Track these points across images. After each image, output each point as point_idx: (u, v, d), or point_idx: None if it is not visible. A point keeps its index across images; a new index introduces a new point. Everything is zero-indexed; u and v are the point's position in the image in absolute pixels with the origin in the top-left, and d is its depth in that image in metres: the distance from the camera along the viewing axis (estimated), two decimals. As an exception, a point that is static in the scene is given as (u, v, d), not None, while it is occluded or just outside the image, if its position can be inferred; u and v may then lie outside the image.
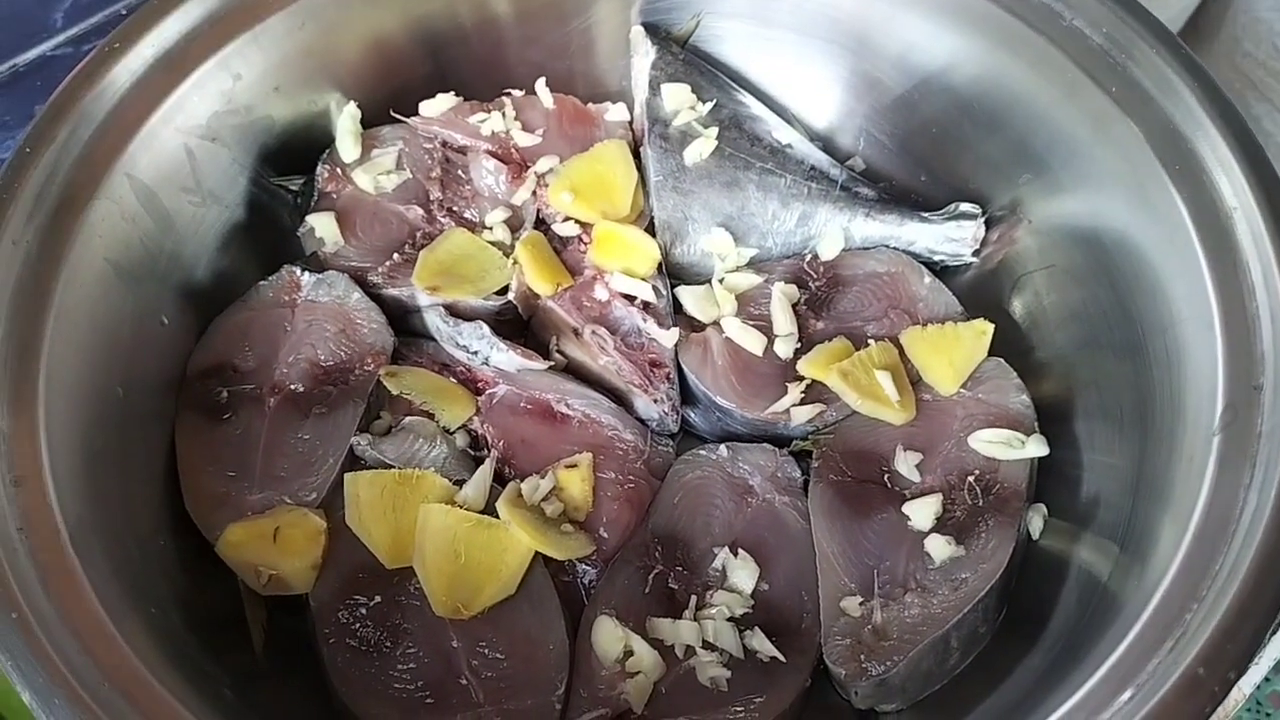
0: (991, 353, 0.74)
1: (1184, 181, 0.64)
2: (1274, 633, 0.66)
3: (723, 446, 0.73)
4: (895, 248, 0.80)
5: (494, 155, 0.79)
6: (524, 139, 0.80)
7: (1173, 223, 0.64)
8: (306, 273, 0.74)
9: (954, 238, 0.79)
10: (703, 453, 0.73)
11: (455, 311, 0.74)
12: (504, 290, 0.75)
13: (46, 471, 0.56)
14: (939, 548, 0.66)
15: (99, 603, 0.54)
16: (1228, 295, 0.61)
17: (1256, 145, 0.64)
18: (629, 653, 0.63)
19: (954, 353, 0.72)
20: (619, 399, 0.74)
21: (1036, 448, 0.69)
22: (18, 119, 0.95)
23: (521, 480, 0.69)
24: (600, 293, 0.75)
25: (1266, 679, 0.97)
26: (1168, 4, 1.05)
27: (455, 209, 0.79)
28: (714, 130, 0.80)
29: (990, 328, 0.74)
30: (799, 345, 0.75)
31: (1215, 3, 1.06)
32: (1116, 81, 0.68)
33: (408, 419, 0.71)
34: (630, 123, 0.84)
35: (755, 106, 0.83)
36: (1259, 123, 1.06)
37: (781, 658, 0.64)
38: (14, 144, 0.93)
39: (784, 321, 0.74)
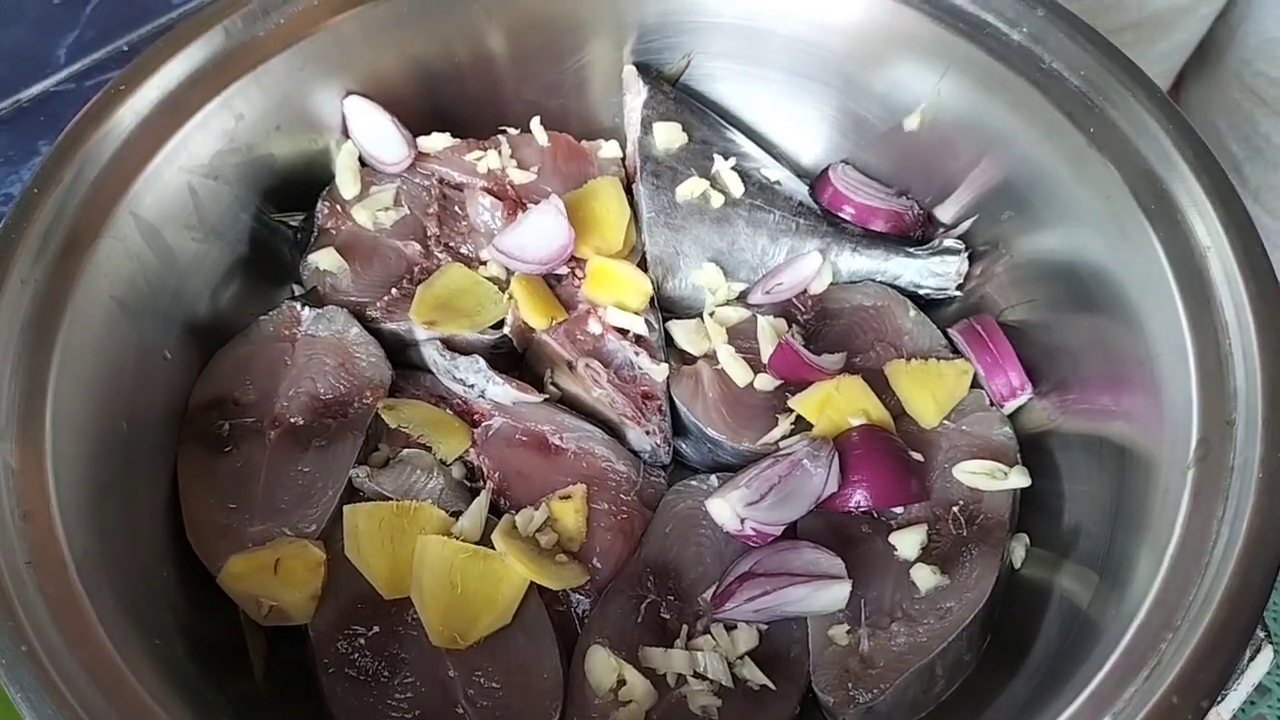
0: (974, 385, 0.76)
1: (1159, 220, 0.66)
2: (1253, 658, 0.68)
3: (713, 477, 0.74)
4: (881, 282, 0.82)
5: (490, 192, 0.81)
6: (519, 176, 0.82)
7: (1149, 260, 0.66)
8: (306, 308, 0.76)
9: (938, 272, 0.81)
10: (693, 483, 0.74)
11: (452, 345, 0.75)
12: (500, 324, 0.77)
13: (54, 505, 0.58)
14: (924, 577, 0.68)
15: (105, 634, 0.55)
16: (1201, 332, 0.63)
17: (1229, 185, 0.66)
18: (621, 682, 0.65)
19: (936, 388, 0.74)
20: (612, 431, 0.76)
21: (1018, 479, 0.71)
22: (21, 154, 0.97)
23: (516, 512, 0.70)
24: (594, 327, 0.77)
25: (1251, 702, 0.98)
26: (1179, 29, 1.08)
27: (452, 244, 0.80)
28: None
29: (971, 368, 0.76)
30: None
31: (1222, 27, 1.09)
32: (1094, 123, 0.70)
33: (405, 451, 0.72)
34: (623, 160, 0.86)
35: (745, 144, 0.85)
36: (1269, 139, 1.09)
37: (771, 686, 0.66)
38: (18, 178, 0.96)
39: (771, 354, 0.76)
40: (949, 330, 0.79)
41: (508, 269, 0.78)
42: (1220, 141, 1.14)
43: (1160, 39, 1.08)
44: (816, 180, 0.85)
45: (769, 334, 0.77)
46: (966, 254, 0.81)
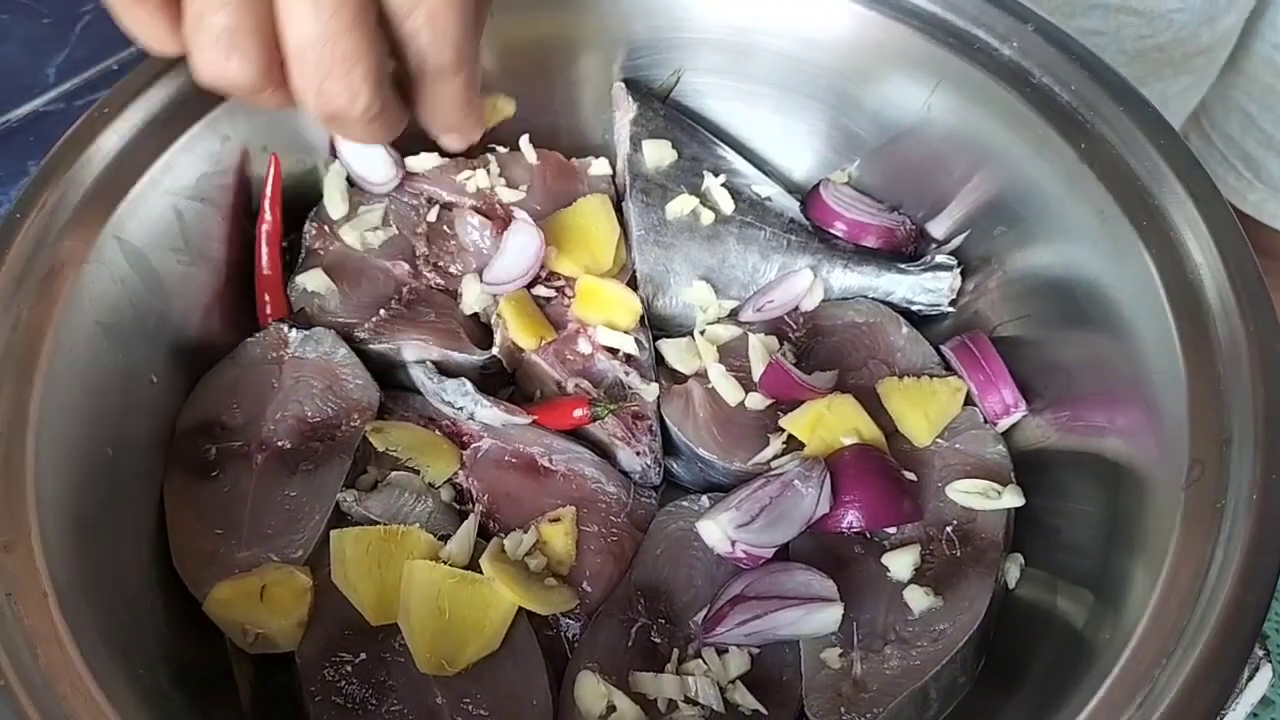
0: (967, 402, 0.75)
1: (1151, 237, 0.66)
2: (1251, 677, 0.67)
3: (704, 497, 0.73)
4: (874, 298, 0.82)
5: (479, 211, 0.80)
6: (508, 195, 0.82)
7: (1141, 277, 0.65)
8: (294, 329, 0.75)
9: (930, 288, 0.80)
10: (685, 504, 0.74)
11: (441, 367, 0.75)
12: (489, 345, 0.76)
13: (35, 536, 0.57)
14: (918, 599, 0.67)
15: (86, 667, 0.54)
16: (1194, 350, 0.62)
17: (1221, 201, 0.66)
18: (611, 708, 0.64)
19: (929, 406, 0.73)
20: (602, 451, 0.75)
21: (1012, 498, 0.70)
22: (11, 174, 0.96)
23: (505, 535, 0.69)
24: (583, 346, 0.76)
25: (1254, 714, 0.98)
26: (1235, 33, 1.08)
27: (441, 264, 0.80)
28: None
29: (964, 386, 0.75)
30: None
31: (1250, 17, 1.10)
32: (1085, 138, 0.70)
33: (394, 474, 0.71)
34: (613, 177, 0.86)
35: (735, 160, 0.85)
36: None
37: (763, 710, 0.65)
38: (6, 199, 0.96)
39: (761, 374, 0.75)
40: (942, 347, 0.78)
41: (494, 296, 0.78)
42: (1253, 124, 1.15)
43: (1224, 52, 1.10)
44: (808, 196, 0.84)
45: (760, 352, 0.77)
46: (959, 270, 0.80)
